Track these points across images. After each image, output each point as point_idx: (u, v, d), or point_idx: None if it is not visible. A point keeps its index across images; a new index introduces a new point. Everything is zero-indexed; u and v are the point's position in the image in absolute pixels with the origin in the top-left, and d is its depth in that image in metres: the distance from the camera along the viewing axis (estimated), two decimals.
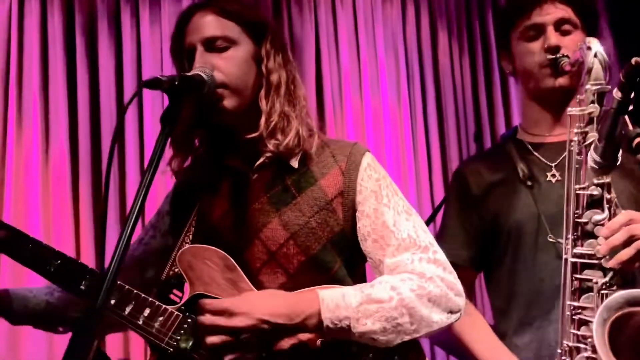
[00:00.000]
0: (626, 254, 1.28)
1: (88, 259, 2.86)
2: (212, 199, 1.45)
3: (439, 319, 1.27)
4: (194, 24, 1.39)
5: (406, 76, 3.26)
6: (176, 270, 1.37)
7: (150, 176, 1.05)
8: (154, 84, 1.14)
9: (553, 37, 1.62)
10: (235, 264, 1.33)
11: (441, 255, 1.34)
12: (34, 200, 2.90)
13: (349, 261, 1.40)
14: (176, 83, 1.17)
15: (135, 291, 1.34)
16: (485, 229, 1.69)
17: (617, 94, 1.16)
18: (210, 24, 1.37)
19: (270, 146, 1.37)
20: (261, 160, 1.40)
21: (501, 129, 3.29)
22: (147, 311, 1.31)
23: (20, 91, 3.01)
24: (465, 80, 3.34)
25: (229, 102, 1.35)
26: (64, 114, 3.02)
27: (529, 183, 1.65)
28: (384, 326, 1.23)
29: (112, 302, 1.30)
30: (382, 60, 3.24)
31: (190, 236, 1.44)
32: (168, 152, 1.35)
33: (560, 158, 1.63)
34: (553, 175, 1.65)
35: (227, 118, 1.38)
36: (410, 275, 1.29)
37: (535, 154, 1.69)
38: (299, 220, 1.35)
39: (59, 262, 1.37)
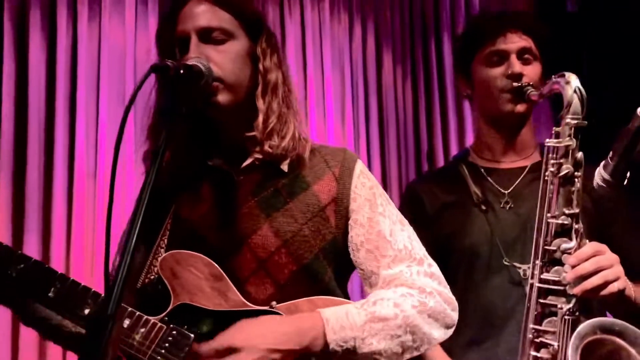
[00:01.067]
0: (592, 282, 1.34)
1: None
2: (191, 200, 1.35)
3: (439, 335, 1.25)
4: (189, 11, 1.30)
5: (351, 95, 3.27)
6: (152, 277, 1.26)
7: (154, 176, 0.95)
8: (162, 69, 1.05)
9: (516, 65, 1.69)
10: (222, 272, 1.24)
11: (436, 269, 1.32)
12: None
13: (338, 271, 1.35)
14: (181, 72, 1.08)
15: None
16: (438, 248, 1.70)
17: None
18: (206, 14, 1.30)
19: (266, 148, 1.30)
20: (249, 161, 1.33)
21: (439, 153, 3.37)
22: (126, 322, 1.18)
23: None
24: (407, 102, 3.40)
25: (223, 97, 1.28)
26: None
27: (483, 207, 1.70)
28: (389, 345, 1.18)
29: (86, 312, 1.16)
30: (329, 77, 3.24)
31: (165, 240, 1.32)
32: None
33: (513, 186, 1.69)
34: (507, 202, 1.70)
35: (220, 114, 1.30)
36: (410, 290, 1.25)
37: (489, 179, 1.74)
38: (291, 227, 1.29)
39: (59, 286, 1.21)
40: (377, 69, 3.36)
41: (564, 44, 3.58)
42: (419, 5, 3.48)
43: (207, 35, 1.29)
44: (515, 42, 1.71)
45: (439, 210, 1.76)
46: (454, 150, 3.31)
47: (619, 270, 1.35)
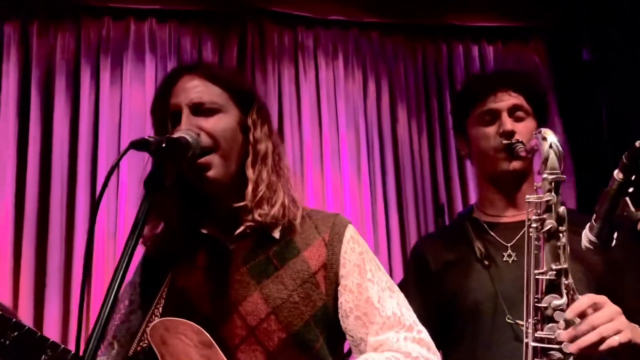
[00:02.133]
0: (588, 340, 1.30)
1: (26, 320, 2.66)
2: (186, 268, 1.37)
3: None
4: (181, 86, 1.36)
5: (366, 151, 3.30)
6: (144, 345, 1.27)
7: (133, 243, 0.99)
8: (142, 144, 1.09)
9: (508, 123, 1.70)
10: (212, 340, 1.24)
11: (425, 335, 1.30)
12: None
13: (331, 339, 1.33)
14: (163, 145, 1.12)
15: None
16: (443, 308, 1.70)
17: (618, 175, 1.19)
18: (198, 88, 1.34)
19: (256, 216, 1.32)
20: (241, 229, 1.35)
21: (458, 204, 3.34)
22: None
23: None
24: (424, 156, 3.40)
25: (213, 173, 1.31)
26: (11, 171, 2.89)
27: (486, 262, 1.68)
28: None
29: None
30: (343, 134, 3.27)
31: (160, 308, 1.33)
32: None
33: (516, 238, 1.68)
34: (509, 256, 1.69)
35: (212, 188, 1.33)
36: (396, 354, 1.24)
37: (492, 233, 1.74)
38: (281, 294, 1.28)
39: (15, 333, 1.23)
40: (392, 124, 3.39)
41: (582, 92, 3.60)
42: (432, 60, 3.51)
43: (198, 109, 1.33)
44: (505, 100, 1.73)
45: (443, 269, 1.75)
46: (473, 202, 3.27)
47: (619, 323, 1.30)
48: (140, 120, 3.05)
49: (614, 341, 1.28)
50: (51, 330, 2.76)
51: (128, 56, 3.14)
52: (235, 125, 1.36)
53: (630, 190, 1.16)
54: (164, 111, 1.37)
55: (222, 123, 1.34)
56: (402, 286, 1.81)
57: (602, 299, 1.35)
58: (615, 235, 1.23)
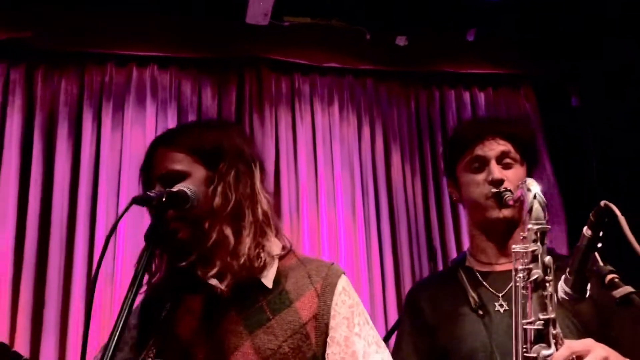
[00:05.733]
0: None
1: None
2: (182, 312, 1.40)
3: None
4: (153, 159, 1.44)
5: (361, 192, 3.37)
6: None
7: (134, 293, 1.04)
8: (144, 200, 1.15)
9: (496, 171, 1.71)
10: None
11: None
12: None
13: None
14: (163, 199, 1.18)
15: None
16: (438, 356, 1.70)
17: (587, 232, 1.23)
18: (161, 160, 1.41)
19: (206, 274, 1.35)
20: (226, 278, 1.37)
21: (451, 246, 3.39)
22: None
23: None
24: (417, 199, 3.47)
25: (182, 234, 1.36)
26: (12, 214, 2.95)
27: (481, 312, 1.68)
28: None
29: None
30: (338, 176, 3.35)
31: (154, 351, 1.37)
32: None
33: (507, 288, 1.68)
34: (501, 305, 1.69)
35: (182, 247, 1.37)
36: None
37: (484, 283, 1.74)
38: (271, 345, 1.31)
39: None
40: (385, 167, 3.47)
41: (571, 137, 3.70)
42: (425, 106, 3.62)
43: (166, 178, 1.38)
44: (494, 148, 1.74)
45: (439, 319, 1.75)
46: (466, 245, 3.32)
47: None
48: (140, 162, 3.10)
49: None
50: None
51: (130, 101, 3.23)
52: (201, 185, 1.39)
53: (599, 245, 1.21)
54: (149, 181, 1.45)
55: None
56: (397, 334, 1.85)
57: (585, 344, 1.35)
58: (589, 286, 1.27)
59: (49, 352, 2.83)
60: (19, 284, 2.88)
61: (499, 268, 1.76)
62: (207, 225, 1.36)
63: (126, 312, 1.03)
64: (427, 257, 3.33)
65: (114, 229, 1.06)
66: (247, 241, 1.37)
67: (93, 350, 2.73)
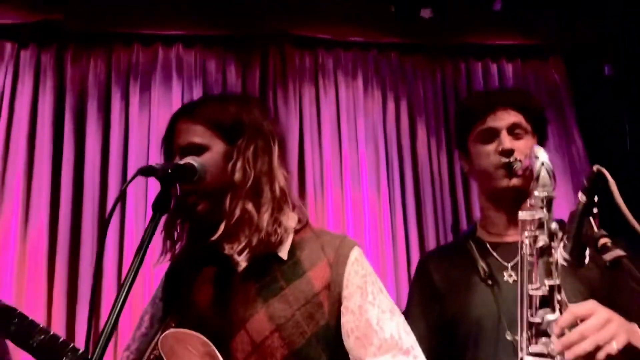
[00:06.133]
0: (582, 349, 1.29)
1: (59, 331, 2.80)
2: (200, 283, 1.46)
3: None
4: (175, 130, 1.48)
5: (386, 168, 3.36)
6: (156, 353, 1.36)
7: (138, 262, 1.08)
8: (149, 171, 1.19)
9: (507, 141, 1.72)
10: (217, 352, 1.32)
11: (422, 359, 1.35)
12: (8, 275, 2.91)
13: (334, 357, 1.39)
14: (169, 171, 1.22)
15: None
16: (446, 324, 1.73)
17: (582, 197, 1.23)
18: (182, 132, 1.45)
19: (228, 250, 1.41)
20: (245, 252, 1.43)
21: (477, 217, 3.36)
22: None
23: (5, 166, 3.06)
24: (443, 173, 3.44)
25: (201, 207, 1.42)
26: (46, 192, 3.06)
27: (489, 282, 1.70)
28: None
29: None
30: (363, 152, 3.34)
31: (175, 320, 1.43)
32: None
33: (515, 259, 1.69)
34: (510, 276, 1.71)
35: (204, 219, 1.43)
36: None
37: (494, 253, 1.76)
38: (285, 313, 1.35)
39: (42, 337, 1.36)
40: (411, 142, 3.45)
41: (603, 108, 3.59)
42: (451, 79, 3.57)
43: (186, 150, 1.43)
44: (505, 118, 1.75)
45: (448, 287, 1.78)
46: None
47: (614, 327, 1.27)
48: None
49: (611, 348, 1.26)
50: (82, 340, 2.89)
51: (156, 80, 3.29)
52: (220, 160, 1.43)
53: (595, 211, 1.20)
54: (171, 152, 1.50)
55: (206, 160, 1.42)
56: (407, 302, 1.88)
57: (587, 308, 1.32)
58: (588, 252, 1.26)
59: (83, 323, 2.94)
60: (54, 259, 3.00)
61: (508, 239, 1.78)
62: (227, 200, 1.41)
63: (131, 277, 1.07)
64: (451, 231, 3.31)
65: (120, 196, 1.10)
66: (266, 217, 1.41)
67: (125, 322, 2.85)
